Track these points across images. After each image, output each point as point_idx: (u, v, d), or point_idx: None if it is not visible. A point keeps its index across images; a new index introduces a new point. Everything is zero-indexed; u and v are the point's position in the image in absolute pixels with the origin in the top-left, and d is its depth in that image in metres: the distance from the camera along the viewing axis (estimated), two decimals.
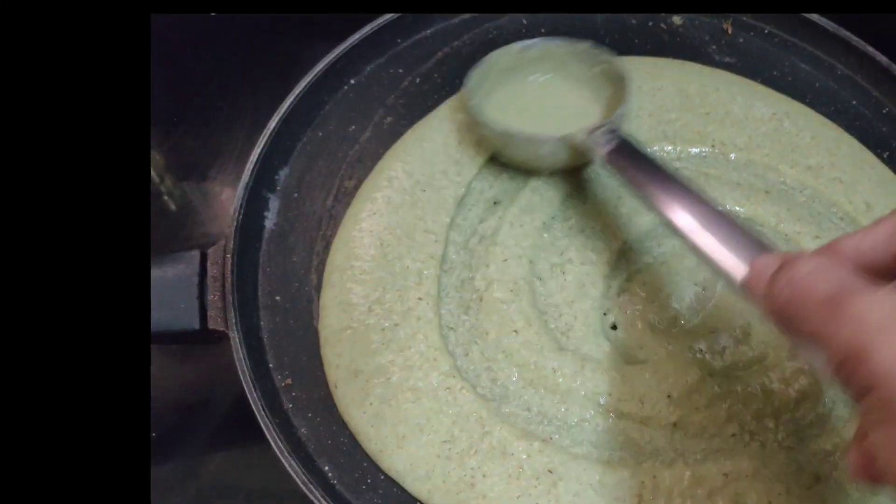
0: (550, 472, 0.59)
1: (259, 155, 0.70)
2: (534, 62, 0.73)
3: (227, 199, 0.83)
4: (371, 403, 0.62)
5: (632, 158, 0.62)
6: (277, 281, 0.68)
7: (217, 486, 0.69)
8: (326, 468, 0.59)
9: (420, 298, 0.66)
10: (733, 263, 0.51)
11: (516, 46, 0.72)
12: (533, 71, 0.73)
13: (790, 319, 0.41)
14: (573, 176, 0.73)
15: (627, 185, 0.61)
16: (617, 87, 0.70)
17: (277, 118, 0.72)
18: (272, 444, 0.57)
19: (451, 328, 0.66)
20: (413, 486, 0.59)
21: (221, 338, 0.63)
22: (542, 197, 0.72)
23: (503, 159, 0.72)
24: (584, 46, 0.72)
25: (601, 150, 0.64)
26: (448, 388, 0.62)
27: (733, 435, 0.61)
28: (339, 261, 0.69)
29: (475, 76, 0.71)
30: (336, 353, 0.65)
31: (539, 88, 0.73)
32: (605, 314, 0.68)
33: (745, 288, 0.49)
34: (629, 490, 0.58)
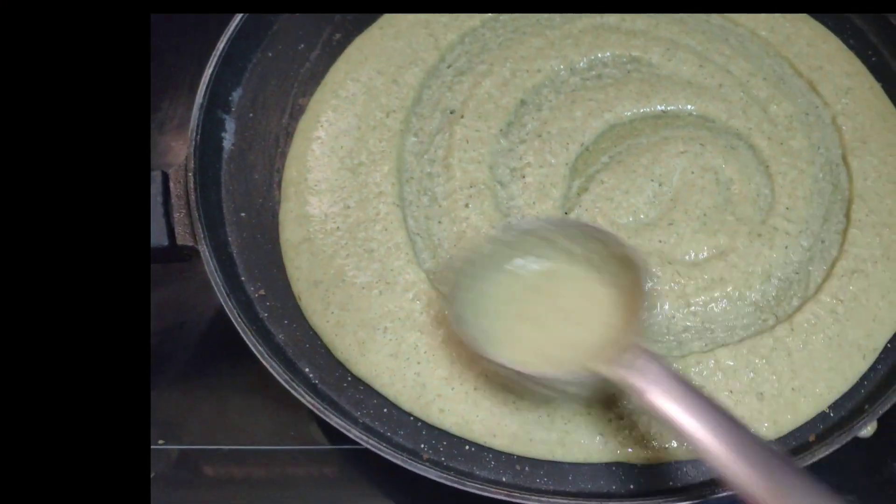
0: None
1: (210, 76, 0.70)
2: (522, 246, 0.61)
3: (183, 126, 0.82)
4: (332, 312, 0.63)
5: (676, 396, 0.51)
6: (241, 198, 0.68)
7: (200, 407, 0.70)
8: (307, 370, 0.60)
9: (378, 208, 0.67)
10: None
11: (496, 233, 0.61)
12: (523, 257, 0.62)
13: None
14: (526, 81, 0.74)
15: (666, 422, 0.52)
16: (627, 270, 0.59)
17: (225, 39, 0.72)
18: (252, 349, 0.58)
19: (417, 234, 0.67)
20: (382, 390, 0.61)
21: (191, 254, 0.63)
22: (496, 105, 0.72)
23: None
24: (577, 225, 0.62)
25: (634, 381, 0.52)
26: (415, 296, 0.63)
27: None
28: (293, 175, 0.70)
29: (459, 282, 0.59)
30: (296, 266, 0.66)
31: (531, 277, 0.61)
32: (566, 213, 0.69)
33: None
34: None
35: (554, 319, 0.58)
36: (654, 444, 0.58)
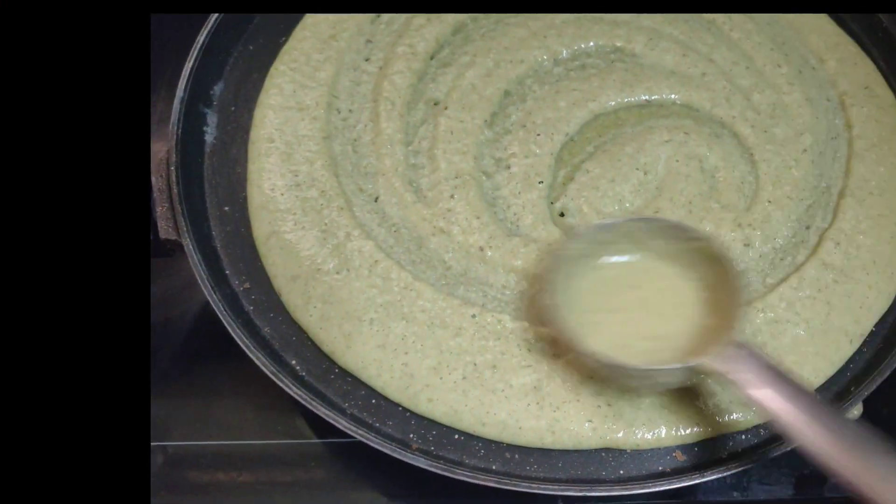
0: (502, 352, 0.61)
1: (191, 70, 0.69)
2: (610, 243, 0.62)
3: (163, 121, 0.81)
4: (315, 306, 0.62)
5: (776, 385, 0.53)
6: (224, 192, 0.68)
7: (186, 404, 0.70)
8: (293, 362, 0.60)
9: (351, 202, 0.67)
10: None
11: (586, 231, 0.62)
12: (610, 253, 0.63)
13: None
14: (510, 72, 0.74)
15: (777, 424, 0.52)
16: (714, 266, 0.60)
17: (205, 32, 0.71)
18: (239, 342, 0.58)
19: (394, 226, 0.67)
20: (369, 381, 0.61)
21: (174, 249, 0.62)
22: (480, 96, 0.72)
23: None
24: (666, 223, 0.63)
25: (737, 375, 0.54)
26: (405, 287, 0.63)
27: None
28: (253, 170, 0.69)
29: (554, 278, 0.60)
30: (270, 262, 0.65)
31: (621, 272, 0.62)
32: (552, 203, 0.69)
33: None
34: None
35: (640, 314, 0.60)
36: (644, 429, 0.58)
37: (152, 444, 0.67)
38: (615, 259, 0.62)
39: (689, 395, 0.59)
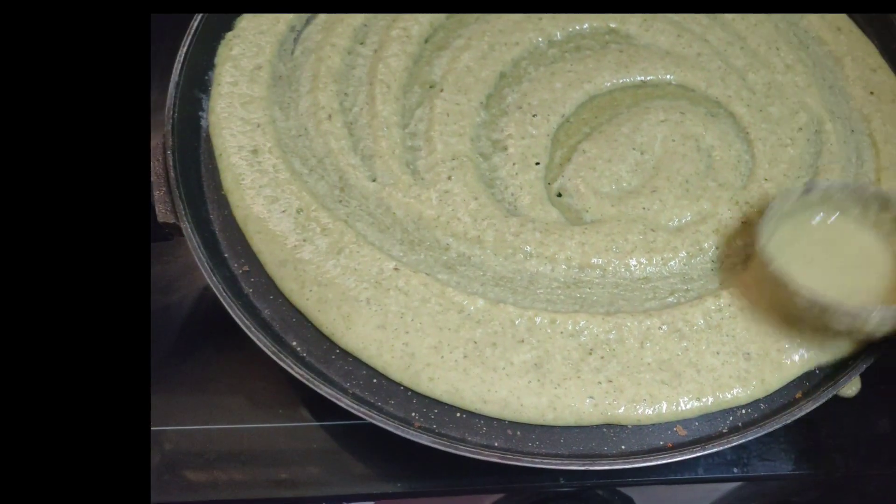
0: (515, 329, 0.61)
1: (185, 55, 0.69)
2: (814, 205, 0.65)
3: (157, 109, 0.81)
4: (311, 290, 0.62)
5: None
6: (220, 176, 0.67)
7: (187, 389, 0.69)
8: (294, 343, 0.60)
9: (343, 186, 0.67)
10: None
11: (797, 191, 0.64)
12: (813, 214, 0.65)
13: None
14: (505, 54, 0.74)
15: None
16: None
17: (199, 17, 0.71)
18: (240, 323, 0.58)
19: (392, 210, 0.66)
20: (370, 361, 0.60)
21: (173, 232, 0.62)
22: (476, 78, 0.72)
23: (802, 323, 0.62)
24: (870, 190, 0.64)
25: None
26: (396, 271, 0.63)
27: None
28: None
29: (765, 228, 0.62)
30: (258, 249, 0.64)
31: (823, 232, 0.65)
32: (549, 184, 0.69)
33: None
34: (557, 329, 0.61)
35: (836, 271, 0.63)
36: (644, 405, 0.58)
37: (153, 428, 0.67)
38: (815, 219, 0.65)
39: (688, 369, 0.59)
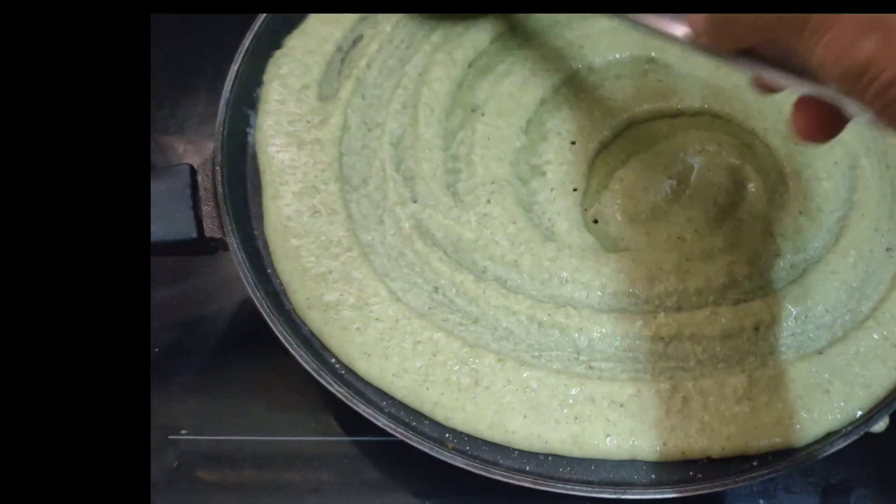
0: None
1: (236, 73, 0.71)
2: None
3: (203, 123, 0.83)
4: (345, 327, 0.63)
5: None
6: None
7: (221, 398, 0.71)
8: (332, 360, 0.61)
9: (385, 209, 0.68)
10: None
11: None
12: None
13: None
14: (546, 81, 0.75)
15: None
16: None
17: (251, 36, 0.72)
18: (282, 339, 0.59)
19: (431, 233, 0.67)
20: (405, 401, 0.62)
21: (218, 247, 0.64)
22: (517, 103, 0.73)
23: None
24: None
25: None
26: (431, 308, 0.64)
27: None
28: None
29: None
30: (287, 280, 0.65)
31: None
32: (586, 210, 0.70)
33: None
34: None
35: None
36: (670, 445, 0.59)
37: (188, 436, 0.69)
38: None
39: (724, 401, 0.60)
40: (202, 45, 0.86)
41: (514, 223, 0.67)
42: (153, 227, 0.61)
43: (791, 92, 0.46)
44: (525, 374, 0.61)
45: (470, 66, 0.76)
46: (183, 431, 0.69)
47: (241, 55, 0.71)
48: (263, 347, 0.64)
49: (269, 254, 0.66)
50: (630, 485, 0.57)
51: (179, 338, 0.73)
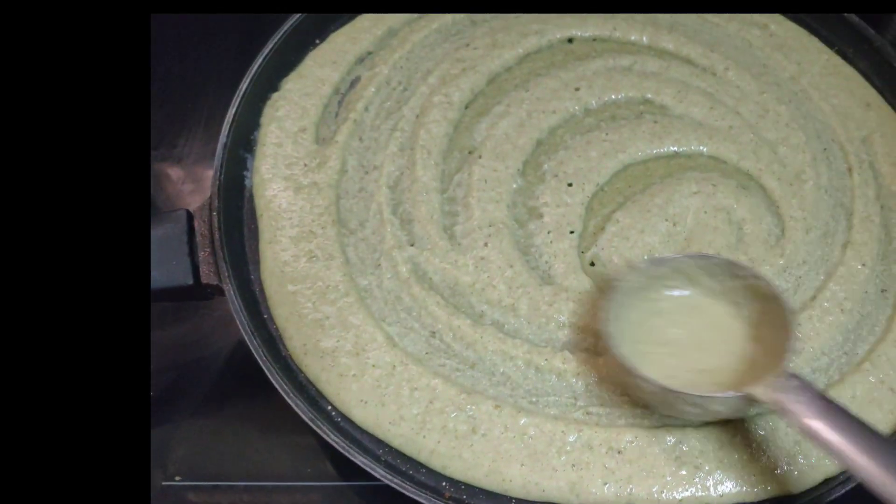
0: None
1: (234, 116, 0.71)
2: (663, 278, 0.64)
3: (199, 162, 0.83)
4: (341, 374, 0.62)
5: (828, 416, 0.53)
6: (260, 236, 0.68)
7: (217, 443, 0.70)
8: (329, 408, 0.61)
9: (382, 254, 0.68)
10: None
11: (643, 265, 0.64)
12: (663, 287, 0.65)
13: None
14: (542, 122, 0.75)
15: (829, 453, 0.53)
16: (762, 304, 0.62)
17: (248, 80, 0.73)
18: (277, 387, 0.59)
19: (429, 277, 0.67)
20: (401, 449, 0.61)
21: (214, 293, 0.63)
22: (514, 145, 0.74)
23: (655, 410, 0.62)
24: (718, 261, 0.64)
25: (790, 406, 0.54)
26: (428, 353, 0.64)
27: None
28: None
29: (609, 307, 0.62)
30: (283, 326, 0.65)
31: (672, 306, 0.64)
32: (583, 252, 0.70)
33: None
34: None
35: (688, 347, 0.62)
36: (667, 492, 0.59)
37: (182, 482, 0.68)
38: (666, 293, 0.64)
39: (723, 448, 0.60)
40: (198, 86, 0.87)
41: (512, 266, 0.67)
42: (150, 274, 0.61)
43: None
44: (522, 421, 0.61)
45: (467, 107, 0.76)
46: (177, 478, 0.68)
47: (238, 98, 0.71)
48: (259, 391, 0.64)
49: (265, 299, 0.65)
50: None
51: (175, 381, 0.73)
